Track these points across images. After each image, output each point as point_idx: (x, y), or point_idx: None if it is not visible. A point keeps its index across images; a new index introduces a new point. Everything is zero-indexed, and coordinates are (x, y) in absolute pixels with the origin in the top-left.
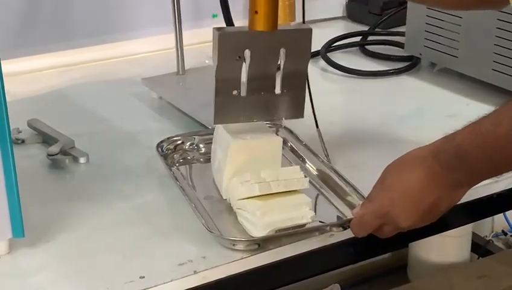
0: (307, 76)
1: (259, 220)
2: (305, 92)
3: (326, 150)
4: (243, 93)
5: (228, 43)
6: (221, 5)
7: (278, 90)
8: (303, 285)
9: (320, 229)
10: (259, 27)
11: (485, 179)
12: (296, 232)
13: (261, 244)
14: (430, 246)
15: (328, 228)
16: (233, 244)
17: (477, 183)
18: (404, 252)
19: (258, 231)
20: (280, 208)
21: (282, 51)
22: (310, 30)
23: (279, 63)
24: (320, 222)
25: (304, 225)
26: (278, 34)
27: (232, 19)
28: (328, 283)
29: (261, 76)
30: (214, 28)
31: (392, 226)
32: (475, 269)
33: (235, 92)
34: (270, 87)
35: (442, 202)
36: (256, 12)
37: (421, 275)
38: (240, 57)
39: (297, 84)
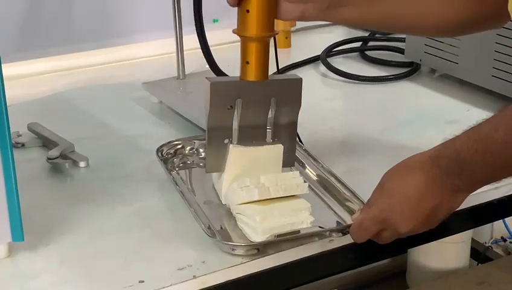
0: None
1: (259, 225)
2: (295, 141)
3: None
4: (235, 141)
5: (219, 93)
6: (194, 15)
7: (268, 139)
8: None
9: (319, 235)
10: (251, 77)
11: (485, 185)
12: (296, 238)
13: (261, 249)
14: (429, 252)
15: (327, 234)
16: (233, 249)
17: (477, 188)
18: (403, 258)
19: (258, 236)
20: (280, 213)
21: (273, 101)
22: (300, 80)
23: (270, 112)
24: (319, 227)
25: (304, 230)
26: (269, 84)
27: (204, 29)
28: (328, 289)
29: (252, 125)
30: (205, 78)
31: (391, 232)
32: (474, 276)
33: (226, 141)
34: (261, 136)
35: (441, 208)
36: (247, 62)
37: (420, 281)
38: (231, 106)
39: (288, 133)
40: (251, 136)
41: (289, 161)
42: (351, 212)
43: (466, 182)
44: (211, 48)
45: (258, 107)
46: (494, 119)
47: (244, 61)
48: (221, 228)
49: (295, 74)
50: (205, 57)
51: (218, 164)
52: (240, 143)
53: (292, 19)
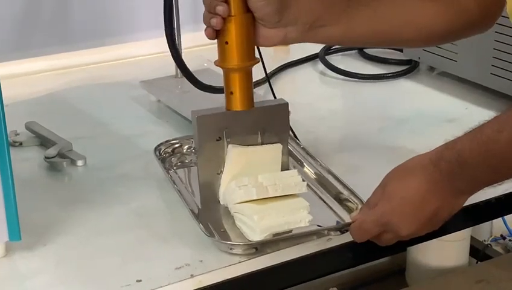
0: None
1: (257, 224)
2: (288, 166)
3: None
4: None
5: (206, 126)
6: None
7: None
8: (301, 289)
9: (317, 234)
10: (236, 107)
11: (486, 186)
12: (294, 237)
13: (259, 248)
14: (428, 251)
15: (325, 232)
16: (231, 249)
17: (479, 190)
18: (403, 256)
19: (256, 235)
20: (278, 212)
21: (261, 128)
22: (287, 105)
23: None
24: (318, 226)
25: (302, 229)
26: (255, 112)
27: (174, 36)
28: (326, 287)
29: None
30: (192, 112)
31: (392, 235)
32: (473, 274)
33: (219, 172)
34: None
35: (443, 211)
36: (231, 93)
37: (419, 279)
38: (220, 138)
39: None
40: None
41: None
42: (349, 210)
43: (467, 184)
44: (207, 47)
45: (246, 135)
46: (497, 121)
47: (228, 92)
48: (219, 227)
49: (299, 74)
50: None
51: (212, 194)
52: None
53: (273, 44)
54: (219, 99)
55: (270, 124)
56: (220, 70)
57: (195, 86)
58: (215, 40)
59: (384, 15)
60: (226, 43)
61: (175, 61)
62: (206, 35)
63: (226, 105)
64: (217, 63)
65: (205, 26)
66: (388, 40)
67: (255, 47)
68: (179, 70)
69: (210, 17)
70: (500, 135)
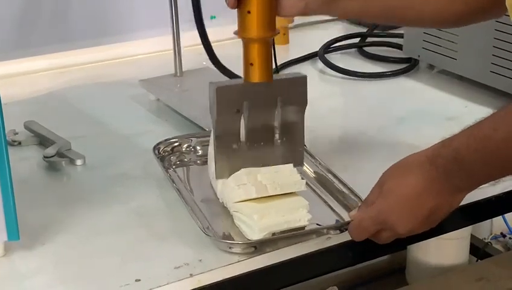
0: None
1: (256, 223)
2: (303, 140)
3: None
4: (243, 146)
5: (225, 97)
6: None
7: (276, 140)
8: (301, 287)
9: (317, 232)
10: (255, 79)
11: (483, 184)
12: (293, 235)
13: (258, 247)
14: (428, 249)
15: (325, 231)
16: (230, 247)
17: (476, 187)
18: (403, 254)
19: (255, 234)
20: (277, 211)
21: (279, 100)
22: (305, 78)
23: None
24: (317, 224)
25: (301, 227)
26: (274, 84)
27: (203, 22)
28: (326, 286)
29: (260, 127)
30: (210, 83)
31: (390, 233)
32: (474, 272)
33: (235, 146)
34: (269, 137)
35: (440, 208)
36: (251, 64)
37: (419, 277)
38: (238, 110)
39: (296, 132)
40: (259, 138)
41: (298, 161)
42: (348, 209)
43: (464, 181)
44: None
45: (264, 108)
46: (494, 118)
47: (248, 63)
48: (219, 226)
49: (299, 72)
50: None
51: (227, 170)
52: (248, 147)
53: (294, 15)
54: None
55: (289, 96)
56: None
57: (224, 74)
58: (215, 38)
59: None
60: (248, 12)
61: (206, 51)
62: (228, 4)
63: (244, 76)
64: (237, 33)
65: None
66: (405, 18)
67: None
68: (178, 69)
69: None
70: (496, 133)
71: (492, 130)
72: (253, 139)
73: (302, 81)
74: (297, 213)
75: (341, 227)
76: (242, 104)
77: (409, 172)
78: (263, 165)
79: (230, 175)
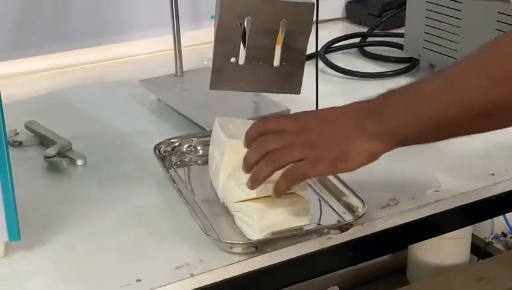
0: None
1: (257, 223)
2: (303, 69)
3: None
4: (241, 61)
5: (230, 8)
6: None
7: (276, 63)
8: (302, 287)
9: (317, 232)
10: None
11: (408, 137)
12: (294, 235)
13: (259, 247)
14: (429, 248)
15: (325, 231)
16: (231, 247)
17: (401, 140)
18: (403, 254)
19: (256, 234)
20: (277, 210)
21: (283, 23)
22: (313, 4)
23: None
24: (317, 224)
25: (302, 227)
26: (280, 5)
27: None
28: (327, 285)
29: (261, 46)
30: None
31: (301, 147)
32: (475, 271)
33: (233, 59)
34: (268, 58)
35: (357, 142)
36: None
37: (420, 277)
38: (240, 24)
39: (296, 59)
40: (258, 57)
41: (295, 88)
42: (349, 209)
43: (381, 125)
44: (207, 45)
45: (267, 27)
46: (429, 77)
47: None
48: (219, 226)
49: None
50: None
51: (222, 82)
52: (246, 63)
53: None
54: (220, 100)
55: (293, 21)
56: None
57: None
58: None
59: None
60: None
61: None
62: None
63: None
64: None
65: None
66: None
67: None
68: (178, 68)
69: None
70: (426, 85)
71: (423, 83)
72: (253, 57)
73: (308, 7)
74: (298, 213)
75: (342, 227)
76: (245, 18)
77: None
78: (259, 87)
79: (224, 88)
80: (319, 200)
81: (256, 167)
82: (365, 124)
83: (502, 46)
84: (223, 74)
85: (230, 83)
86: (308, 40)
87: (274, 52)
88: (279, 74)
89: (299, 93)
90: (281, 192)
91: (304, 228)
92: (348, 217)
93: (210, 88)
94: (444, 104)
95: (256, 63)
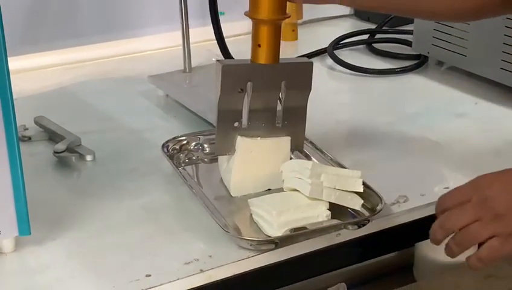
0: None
1: (275, 220)
2: (305, 126)
3: None
4: (244, 124)
5: (230, 76)
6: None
7: (278, 123)
8: (309, 284)
9: (335, 228)
10: (262, 60)
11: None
12: (313, 231)
13: (279, 243)
14: (436, 246)
15: (342, 227)
16: (251, 244)
17: None
18: (411, 251)
19: (274, 231)
20: (296, 207)
21: (284, 84)
22: (311, 64)
23: (280, 95)
24: (334, 219)
25: (321, 223)
26: (280, 67)
27: (219, 20)
28: (334, 282)
29: (262, 108)
30: (216, 61)
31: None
32: (482, 269)
33: (236, 124)
34: (271, 119)
35: None
36: (259, 45)
37: (427, 274)
38: (241, 90)
39: (298, 117)
40: (261, 119)
41: (298, 145)
42: (364, 206)
43: None
44: (215, 42)
45: (268, 90)
46: None
47: (256, 44)
48: (234, 223)
49: (306, 58)
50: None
51: (227, 147)
52: (250, 126)
53: (305, 1)
54: None
55: (293, 81)
56: None
57: None
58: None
59: None
60: None
61: (219, 46)
62: None
63: (251, 57)
64: (247, 14)
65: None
66: (421, 11)
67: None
68: (187, 64)
69: None
70: None
71: None
72: (255, 120)
73: (307, 66)
74: (317, 209)
75: (359, 222)
76: (246, 84)
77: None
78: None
79: (230, 153)
80: None
81: (447, 249)
82: None
83: None
84: (227, 139)
85: (234, 146)
86: (308, 97)
87: (276, 113)
88: (282, 133)
89: (302, 149)
90: (453, 256)
91: (322, 225)
92: (362, 213)
93: (216, 154)
94: None
95: (259, 124)
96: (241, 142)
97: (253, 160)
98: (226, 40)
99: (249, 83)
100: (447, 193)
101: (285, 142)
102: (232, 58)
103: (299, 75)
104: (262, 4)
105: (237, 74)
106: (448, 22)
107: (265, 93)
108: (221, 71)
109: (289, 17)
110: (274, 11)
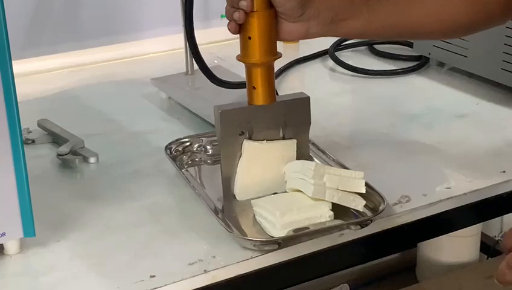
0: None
1: (278, 220)
2: (308, 159)
3: None
4: None
5: (229, 121)
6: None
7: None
8: (312, 285)
9: (338, 228)
10: (258, 102)
11: None
12: (316, 232)
13: (282, 244)
14: (438, 246)
15: (345, 227)
16: (254, 245)
17: None
18: (413, 252)
19: (278, 231)
20: (299, 207)
21: (283, 121)
22: (308, 99)
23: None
24: (337, 220)
25: (324, 223)
26: (277, 106)
27: (193, 32)
28: (337, 283)
29: None
30: (214, 106)
31: None
32: (484, 269)
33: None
34: None
35: None
36: (254, 88)
37: (429, 275)
38: (242, 132)
39: (300, 152)
40: None
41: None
42: (366, 206)
43: None
44: (217, 44)
45: (268, 129)
46: None
47: (251, 87)
48: (237, 224)
49: (302, 92)
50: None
51: (233, 185)
52: None
53: (296, 39)
54: (231, 96)
55: (292, 117)
56: (230, 67)
57: (211, 81)
58: (225, 37)
59: (405, 7)
60: (249, 38)
61: (193, 54)
62: (229, 30)
63: (248, 99)
64: (239, 58)
65: (217, 23)
66: (409, 33)
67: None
68: (189, 67)
69: (233, 11)
70: None
71: None
72: None
73: (304, 102)
74: (319, 210)
75: (362, 222)
76: (246, 126)
77: None
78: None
79: (236, 192)
80: None
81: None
82: None
83: None
84: (233, 182)
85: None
86: (308, 131)
87: None
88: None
89: None
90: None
91: (325, 225)
92: (364, 213)
93: (224, 199)
94: None
95: None
96: (247, 145)
97: (259, 163)
98: (228, 42)
99: (248, 125)
100: None
101: (291, 144)
102: (208, 69)
103: (297, 110)
104: (253, 48)
105: (236, 118)
106: (438, 39)
107: (266, 133)
108: (219, 116)
109: (280, 56)
110: (266, 54)
